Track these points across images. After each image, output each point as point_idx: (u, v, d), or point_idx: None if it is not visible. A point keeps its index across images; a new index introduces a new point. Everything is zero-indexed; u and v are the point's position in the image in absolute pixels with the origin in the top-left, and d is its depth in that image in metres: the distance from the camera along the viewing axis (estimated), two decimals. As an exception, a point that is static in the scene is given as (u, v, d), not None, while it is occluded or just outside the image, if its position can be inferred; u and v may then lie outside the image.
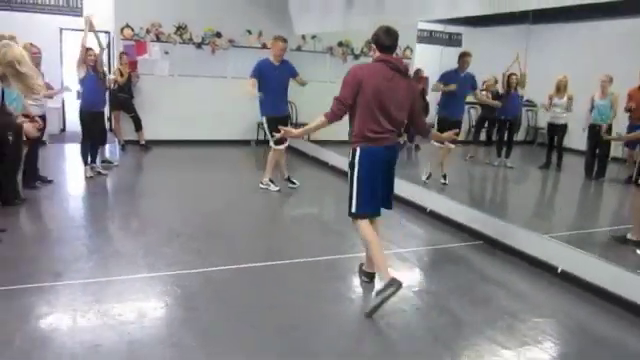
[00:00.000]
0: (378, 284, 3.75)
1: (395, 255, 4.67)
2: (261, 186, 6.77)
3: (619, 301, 3.84)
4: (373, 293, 3.69)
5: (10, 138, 5.07)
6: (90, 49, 6.85)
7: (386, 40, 3.62)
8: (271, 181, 6.77)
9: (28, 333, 3.10)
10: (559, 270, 4.32)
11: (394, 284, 3.41)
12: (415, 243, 5.32)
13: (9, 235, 4.56)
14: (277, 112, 6.47)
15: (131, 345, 3.02)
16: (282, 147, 6.65)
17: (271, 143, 6.59)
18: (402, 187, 6.56)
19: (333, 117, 3.62)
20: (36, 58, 6.07)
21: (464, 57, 6.95)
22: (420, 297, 3.93)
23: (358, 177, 3.63)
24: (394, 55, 3.66)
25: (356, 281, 4.10)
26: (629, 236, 4.96)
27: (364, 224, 3.68)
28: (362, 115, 3.57)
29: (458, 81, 6.89)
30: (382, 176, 3.68)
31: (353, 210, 3.68)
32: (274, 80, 6.41)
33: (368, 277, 3.98)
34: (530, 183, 9.06)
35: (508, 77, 8.95)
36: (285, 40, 6.51)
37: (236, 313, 3.49)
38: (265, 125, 6.62)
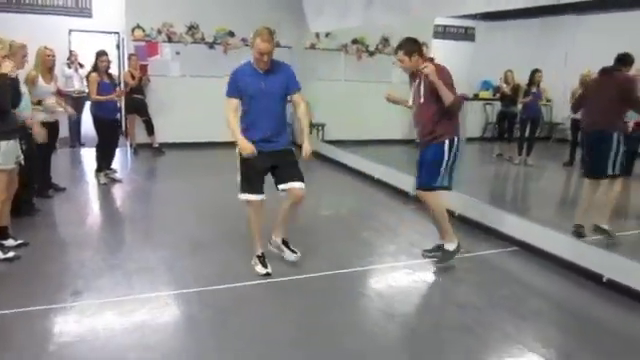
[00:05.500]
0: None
1: (431, 264, 4.45)
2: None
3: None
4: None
5: (23, 147, 4.84)
6: (104, 54, 6.64)
7: None
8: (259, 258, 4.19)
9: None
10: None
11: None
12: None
13: (26, 250, 4.35)
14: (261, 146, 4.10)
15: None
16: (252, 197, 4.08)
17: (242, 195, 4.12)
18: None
19: None
20: (50, 61, 5.84)
21: None
22: (465, 313, 3.70)
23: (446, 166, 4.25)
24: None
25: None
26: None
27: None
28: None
29: None
30: None
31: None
32: (258, 96, 4.11)
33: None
34: (555, 181, 8.76)
35: (532, 74, 8.68)
36: (265, 37, 3.86)
37: (269, 334, 3.27)
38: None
